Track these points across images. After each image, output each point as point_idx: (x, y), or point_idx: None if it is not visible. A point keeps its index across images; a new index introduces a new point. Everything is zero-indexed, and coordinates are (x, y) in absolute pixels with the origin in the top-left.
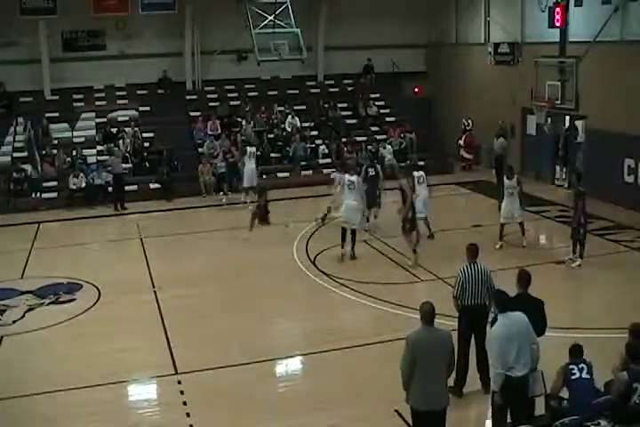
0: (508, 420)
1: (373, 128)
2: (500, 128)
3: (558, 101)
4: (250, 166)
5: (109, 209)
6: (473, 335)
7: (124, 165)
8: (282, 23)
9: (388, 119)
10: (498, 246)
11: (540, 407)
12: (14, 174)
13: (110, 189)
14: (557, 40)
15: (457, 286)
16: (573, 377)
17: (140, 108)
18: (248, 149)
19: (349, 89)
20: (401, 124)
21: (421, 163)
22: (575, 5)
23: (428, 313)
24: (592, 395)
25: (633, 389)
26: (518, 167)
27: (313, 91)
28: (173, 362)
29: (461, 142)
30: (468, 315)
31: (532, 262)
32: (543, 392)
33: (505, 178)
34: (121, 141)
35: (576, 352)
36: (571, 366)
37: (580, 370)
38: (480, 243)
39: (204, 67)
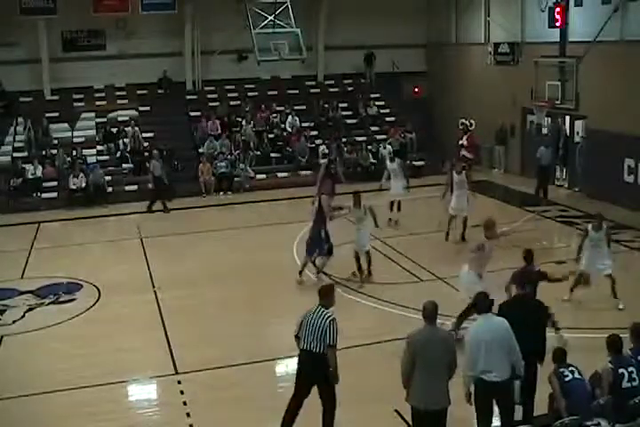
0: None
1: (373, 128)
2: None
3: (558, 101)
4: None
5: (108, 209)
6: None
7: (125, 165)
8: (282, 23)
9: (387, 119)
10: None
11: (540, 408)
12: (14, 180)
13: (110, 189)
14: (557, 40)
15: (298, 324)
16: (567, 379)
17: (140, 108)
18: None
19: (349, 89)
20: (401, 124)
21: (421, 163)
22: (575, 5)
23: (430, 312)
24: (588, 395)
25: (620, 375)
26: (519, 167)
27: (313, 91)
28: (173, 362)
29: (463, 142)
30: (298, 359)
31: None
32: (517, 402)
33: (590, 228)
34: (121, 141)
35: (561, 357)
36: (561, 370)
37: (572, 372)
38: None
39: (203, 67)
